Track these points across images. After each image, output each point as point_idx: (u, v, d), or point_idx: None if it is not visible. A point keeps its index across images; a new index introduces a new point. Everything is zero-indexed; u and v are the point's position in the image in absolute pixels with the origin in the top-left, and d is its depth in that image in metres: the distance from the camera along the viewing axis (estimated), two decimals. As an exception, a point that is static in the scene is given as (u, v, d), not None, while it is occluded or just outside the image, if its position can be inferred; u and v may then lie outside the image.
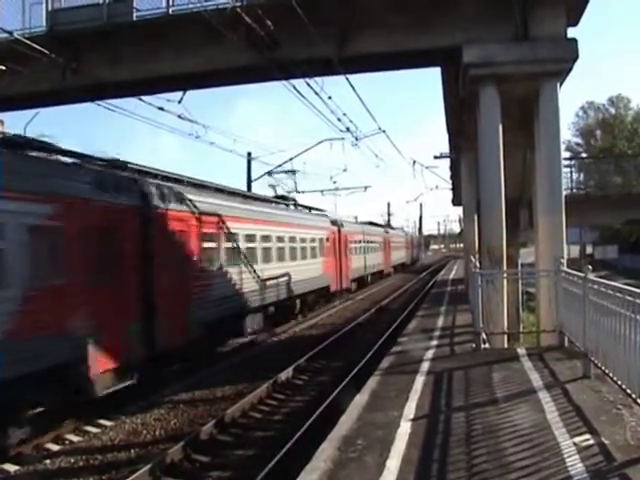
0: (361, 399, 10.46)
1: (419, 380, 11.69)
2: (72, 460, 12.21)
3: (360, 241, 49.55)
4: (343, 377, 17.46)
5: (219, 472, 11.56)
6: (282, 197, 35.91)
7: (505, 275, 18.74)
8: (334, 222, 40.59)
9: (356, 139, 28.60)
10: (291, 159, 40.19)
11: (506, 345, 16.60)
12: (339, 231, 40.92)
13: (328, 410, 13.89)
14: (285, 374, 18.31)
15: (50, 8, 20.35)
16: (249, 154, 39.91)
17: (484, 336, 14.85)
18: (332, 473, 7.14)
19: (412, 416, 9.20)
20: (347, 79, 19.48)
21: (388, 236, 68.82)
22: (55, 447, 13.01)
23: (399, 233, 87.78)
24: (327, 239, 37.70)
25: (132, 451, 12.69)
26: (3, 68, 18.82)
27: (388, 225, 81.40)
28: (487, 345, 14.99)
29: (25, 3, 20.46)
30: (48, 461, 12.17)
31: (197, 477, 11.47)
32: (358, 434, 8.46)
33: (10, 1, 20.84)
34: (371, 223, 63.74)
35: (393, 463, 7.26)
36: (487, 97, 18.12)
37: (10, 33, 18.29)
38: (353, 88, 20.26)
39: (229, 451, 12.71)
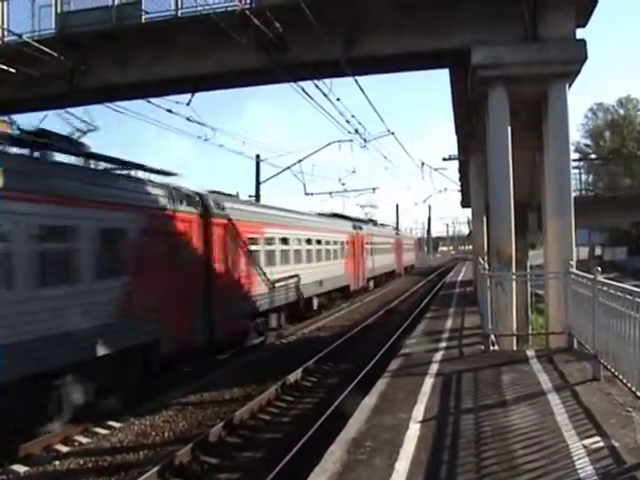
0: (370, 401, 10.44)
1: (428, 382, 11.66)
2: (81, 461, 12.31)
3: (286, 240, 30.19)
4: (352, 379, 17.47)
5: (228, 474, 11.62)
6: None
7: (514, 277, 18.70)
8: (193, 198, 20.95)
9: (365, 141, 28.57)
10: (299, 161, 40.04)
11: (515, 347, 16.55)
12: (207, 218, 21.25)
13: (336, 412, 13.89)
14: (294, 376, 18.34)
15: (59, 11, 20.40)
16: (257, 156, 39.97)
17: (493, 338, 14.83)
18: (341, 475, 7.13)
19: (421, 418, 9.17)
20: (356, 81, 19.49)
21: (360, 235, 48.04)
22: (64, 448, 13.10)
23: (383, 231, 64.42)
24: (143, 230, 17.35)
25: (141, 453, 12.77)
26: (13, 71, 18.90)
27: (365, 221, 57.20)
28: (496, 347, 14.98)
29: (34, 6, 20.52)
30: (57, 462, 12.28)
31: (206, 479, 11.48)
32: (367, 436, 8.43)
33: (19, 4, 20.92)
34: (336, 215, 46.27)
35: (402, 465, 7.24)
36: (496, 99, 18.08)
37: (19, 36, 18.39)
38: (362, 90, 20.28)
39: (238, 453, 12.74)
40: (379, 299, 44.30)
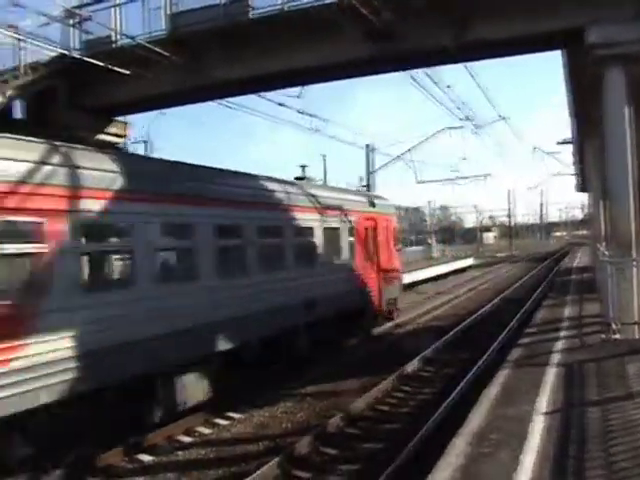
0: (491, 392, 10.32)
1: (549, 372, 11.45)
2: (202, 452, 12.56)
3: None
4: (470, 369, 17.24)
5: (348, 465, 11.53)
6: None
7: (635, 263, 18.12)
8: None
9: (476, 127, 28.23)
10: (409, 149, 39.98)
11: (638, 335, 16.04)
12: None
13: (456, 403, 13.77)
14: (411, 366, 18.22)
15: (169, 12, 20.83)
16: (367, 146, 39.99)
17: (614, 326, 14.42)
18: (465, 469, 7.04)
19: (544, 410, 9.01)
20: (466, 67, 19.24)
21: None
22: (186, 439, 13.38)
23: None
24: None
25: (260, 444, 12.89)
26: (127, 72, 19.44)
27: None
28: (618, 336, 14.55)
29: (145, 9, 21.04)
30: (180, 452, 12.54)
31: (325, 470, 11.48)
32: (490, 429, 8.33)
33: (132, 8, 21.50)
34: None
35: (528, 459, 7.11)
36: (612, 79, 17.49)
37: (132, 38, 18.91)
38: (472, 76, 20.04)
39: (357, 444, 12.68)
40: (493, 287, 43.71)
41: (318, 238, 19.96)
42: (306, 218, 19.35)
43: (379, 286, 24.59)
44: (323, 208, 20.41)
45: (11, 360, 9.70)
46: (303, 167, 25.48)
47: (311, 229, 19.66)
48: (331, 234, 20.91)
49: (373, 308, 24.12)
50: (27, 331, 10.00)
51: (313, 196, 20.30)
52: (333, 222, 21.04)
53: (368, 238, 23.94)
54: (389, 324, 26.31)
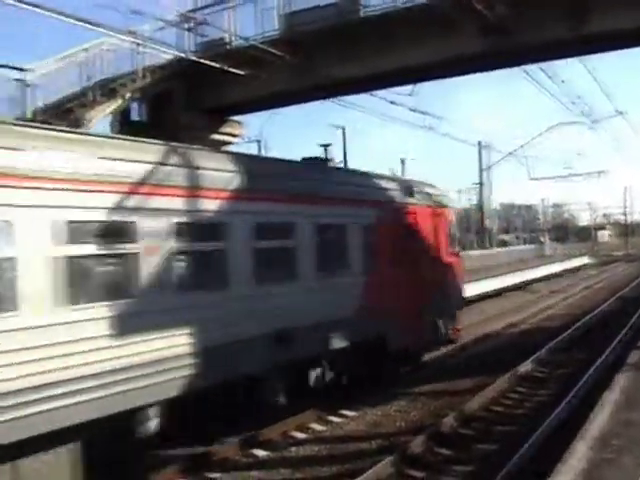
0: (611, 396, 10.05)
1: (673, 376, 11.08)
2: (316, 449, 12.61)
3: None
4: (585, 370, 16.82)
5: (462, 466, 11.37)
6: None
7: None
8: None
9: (592, 122, 27.61)
10: (522, 146, 39.50)
11: None
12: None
13: (572, 405, 13.46)
14: (524, 367, 17.91)
15: (282, 12, 21.09)
16: (479, 143, 39.74)
17: None
18: (587, 474, 6.87)
19: (669, 416, 8.72)
20: (582, 62, 18.81)
21: None
22: (300, 435, 13.50)
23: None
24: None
25: (373, 442, 12.86)
26: (242, 73, 19.81)
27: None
28: None
29: (257, 9, 21.37)
30: (293, 448, 12.64)
31: (439, 470, 11.34)
32: (612, 433, 8.11)
33: (244, 10, 21.88)
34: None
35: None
36: None
37: (246, 39, 19.26)
38: (588, 70, 19.56)
39: (471, 444, 12.51)
40: (608, 286, 42.64)
41: (300, 239, 14.14)
42: (284, 211, 13.77)
43: (419, 304, 17.86)
44: (322, 198, 14.96)
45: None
46: (325, 146, 23.08)
47: (289, 226, 14.00)
48: (328, 234, 15.13)
49: (407, 336, 17.33)
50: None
51: (307, 182, 14.87)
52: (335, 218, 15.33)
53: (400, 239, 17.39)
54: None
